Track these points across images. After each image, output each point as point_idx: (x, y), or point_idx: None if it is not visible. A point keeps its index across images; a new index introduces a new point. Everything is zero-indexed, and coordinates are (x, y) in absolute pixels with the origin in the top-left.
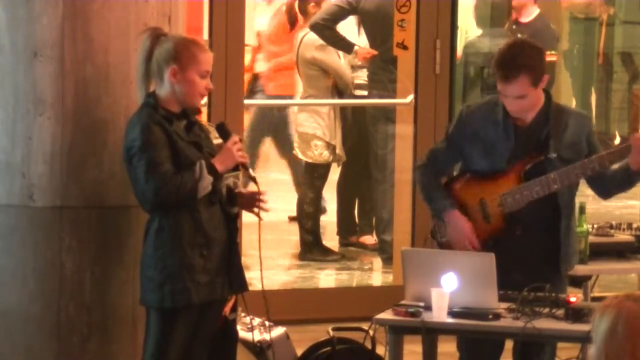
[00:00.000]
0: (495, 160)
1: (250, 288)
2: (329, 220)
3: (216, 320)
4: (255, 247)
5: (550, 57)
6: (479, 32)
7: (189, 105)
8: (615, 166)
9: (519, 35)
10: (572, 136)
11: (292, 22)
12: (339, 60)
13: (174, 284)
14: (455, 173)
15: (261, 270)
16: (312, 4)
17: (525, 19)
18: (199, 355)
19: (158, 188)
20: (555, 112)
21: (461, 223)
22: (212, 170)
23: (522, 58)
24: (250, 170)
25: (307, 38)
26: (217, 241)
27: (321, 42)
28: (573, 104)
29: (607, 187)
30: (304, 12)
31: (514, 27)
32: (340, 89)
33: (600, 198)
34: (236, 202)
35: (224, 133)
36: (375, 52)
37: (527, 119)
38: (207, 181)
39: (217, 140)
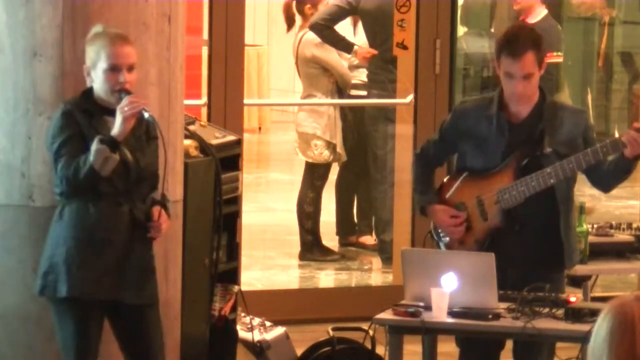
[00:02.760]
0: (489, 156)
1: (250, 288)
2: (329, 220)
3: (132, 324)
4: (256, 247)
5: (557, 58)
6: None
7: (108, 102)
8: (610, 158)
9: None
10: (567, 132)
11: (290, 23)
12: (339, 58)
13: (55, 274)
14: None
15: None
16: (308, 5)
17: (532, 19)
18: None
19: (62, 175)
20: (549, 108)
21: (438, 216)
22: (107, 140)
23: (527, 35)
24: (146, 114)
25: (307, 37)
26: (115, 242)
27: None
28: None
29: (606, 179)
30: (301, 13)
31: None
32: (340, 87)
33: (601, 191)
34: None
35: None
36: (375, 52)
37: (522, 114)
38: (101, 153)
39: (216, 140)
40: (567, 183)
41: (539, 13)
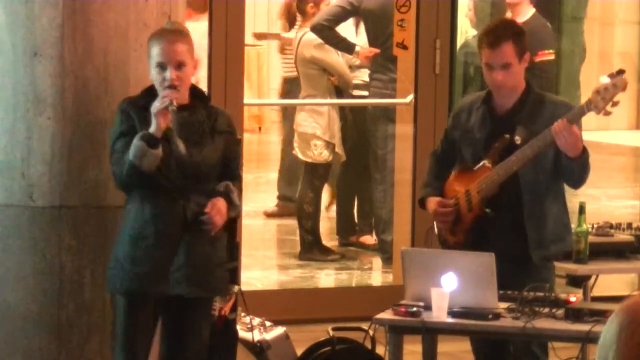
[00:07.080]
0: (476, 147)
1: (250, 288)
2: (329, 220)
3: (181, 318)
4: (256, 247)
5: (549, 56)
6: (474, 32)
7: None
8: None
9: None
10: (543, 124)
11: (291, 22)
12: (338, 59)
13: (113, 269)
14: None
15: None
16: (311, 4)
17: (521, 18)
18: (171, 349)
19: (114, 172)
20: (534, 100)
21: (430, 206)
22: (145, 137)
23: (506, 27)
24: (170, 107)
25: (306, 37)
26: (170, 236)
27: (320, 40)
28: None
29: (568, 176)
30: (303, 12)
31: None
32: (340, 87)
33: (571, 188)
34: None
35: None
36: (377, 51)
37: (506, 106)
38: (138, 149)
39: None
40: (534, 171)
41: (527, 12)
